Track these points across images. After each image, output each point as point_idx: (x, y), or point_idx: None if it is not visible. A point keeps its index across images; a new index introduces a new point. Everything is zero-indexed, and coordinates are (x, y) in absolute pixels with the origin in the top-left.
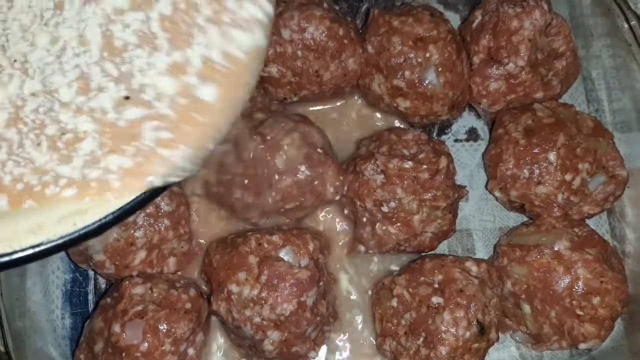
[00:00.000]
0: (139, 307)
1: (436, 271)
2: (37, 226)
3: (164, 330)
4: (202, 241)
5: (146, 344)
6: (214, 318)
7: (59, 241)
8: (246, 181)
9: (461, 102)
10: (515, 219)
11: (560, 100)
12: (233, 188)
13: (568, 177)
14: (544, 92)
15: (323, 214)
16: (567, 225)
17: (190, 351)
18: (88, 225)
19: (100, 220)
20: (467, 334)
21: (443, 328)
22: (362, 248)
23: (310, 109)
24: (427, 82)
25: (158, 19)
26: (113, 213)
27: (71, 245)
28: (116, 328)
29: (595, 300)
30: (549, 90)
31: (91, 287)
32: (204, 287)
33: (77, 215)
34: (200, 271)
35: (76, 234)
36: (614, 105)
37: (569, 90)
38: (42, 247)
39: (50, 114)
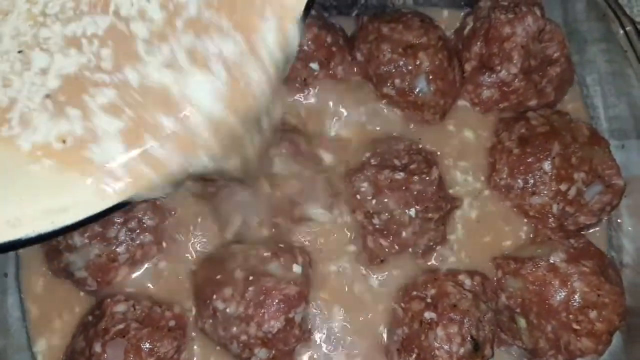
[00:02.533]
0: (121, 326)
1: (429, 285)
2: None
3: (147, 350)
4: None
5: None
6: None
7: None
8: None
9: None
10: None
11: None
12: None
13: (563, 187)
14: (537, 100)
15: None
16: (563, 237)
17: None
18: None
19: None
20: (461, 350)
21: (436, 344)
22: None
23: None
24: (417, 90)
25: None
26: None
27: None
28: (97, 348)
29: (593, 314)
30: (543, 98)
31: None
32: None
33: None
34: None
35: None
36: (609, 112)
37: (563, 98)
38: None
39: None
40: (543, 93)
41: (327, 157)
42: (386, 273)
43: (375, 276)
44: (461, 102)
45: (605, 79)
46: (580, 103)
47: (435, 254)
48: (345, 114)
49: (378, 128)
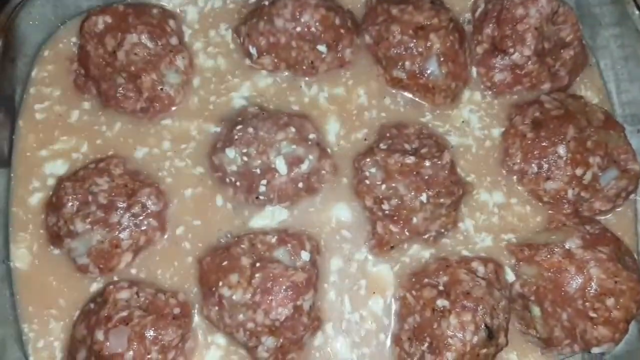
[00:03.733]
0: (124, 313)
1: (441, 272)
2: None
3: (151, 338)
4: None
5: (131, 353)
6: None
7: None
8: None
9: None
10: None
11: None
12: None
13: (579, 171)
14: (551, 84)
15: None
16: (578, 223)
17: (180, 359)
18: None
19: None
20: (475, 338)
21: (449, 333)
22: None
23: None
24: (428, 72)
25: None
26: None
27: None
28: (99, 336)
29: (610, 301)
30: (557, 82)
31: None
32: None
33: None
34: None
35: None
36: (622, 98)
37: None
38: None
39: None
40: (556, 76)
41: (334, 141)
42: (396, 259)
43: (385, 262)
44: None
45: (618, 63)
46: (594, 87)
47: (447, 241)
48: (354, 97)
49: (386, 113)
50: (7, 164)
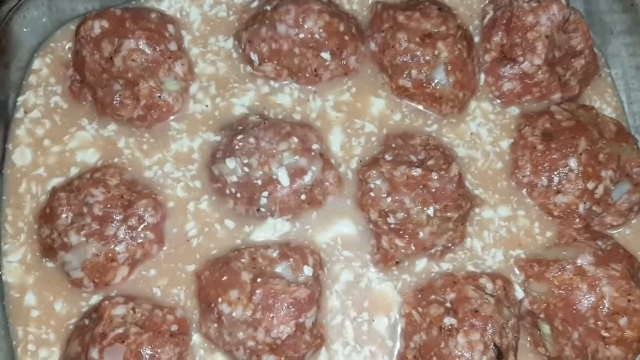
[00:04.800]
0: (120, 330)
1: (448, 289)
2: None
3: (147, 356)
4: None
5: None
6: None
7: None
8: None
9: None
10: None
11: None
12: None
13: (590, 185)
14: (562, 94)
15: None
16: (589, 238)
17: None
18: None
19: None
20: (484, 359)
21: (457, 352)
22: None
23: None
24: (435, 81)
25: None
26: None
27: None
28: (94, 354)
29: (622, 320)
30: (567, 91)
31: None
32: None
33: None
34: None
35: None
36: (633, 108)
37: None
38: None
39: None
40: (567, 86)
41: (338, 153)
42: (401, 275)
43: (389, 279)
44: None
45: (629, 72)
46: (605, 97)
47: (453, 256)
48: (358, 107)
49: (392, 122)
50: None
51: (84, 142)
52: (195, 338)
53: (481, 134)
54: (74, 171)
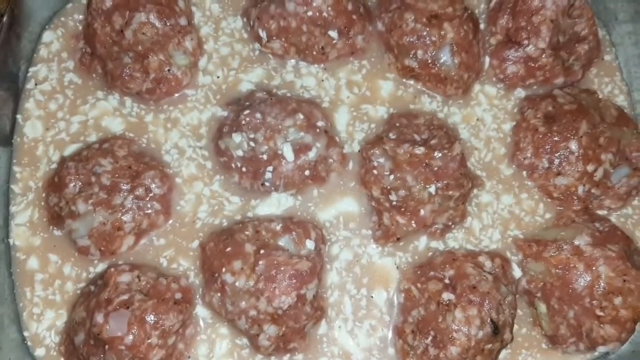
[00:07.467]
0: (125, 297)
1: (447, 266)
2: None
3: (151, 322)
4: None
5: (131, 337)
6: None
7: None
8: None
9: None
10: None
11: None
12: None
13: (590, 167)
14: (564, 78)
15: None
16: (588, 220)
17: (180, 345)
18: None
19: None
20: (480, 333)
21: (454, 327)
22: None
23: None
24: (441, 62)
25: None
26: None
27: None
28: (99, 318)
29: (617, 300)
30: (570, 76)
31: None
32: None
33: None
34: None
35: None
36: (635, 96)
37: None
38: None
39: None
40: (570, 71)
41: (343, 130)
42: (401, 252)
43: (389, 255)
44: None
45: (631, 61)
46: (608, 82)
47: (454, 234)
48: (363, 86)
49: (397, 102)
50: (9, 143)
51: (105, 111)
52: (198, 306)
53: (485, 119)
54: (82, 142)
